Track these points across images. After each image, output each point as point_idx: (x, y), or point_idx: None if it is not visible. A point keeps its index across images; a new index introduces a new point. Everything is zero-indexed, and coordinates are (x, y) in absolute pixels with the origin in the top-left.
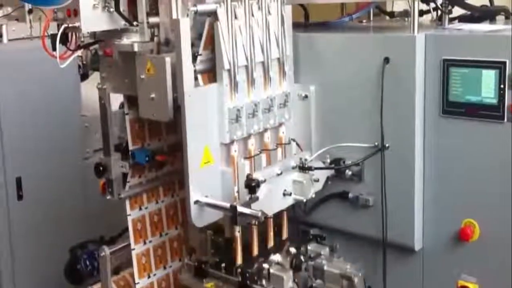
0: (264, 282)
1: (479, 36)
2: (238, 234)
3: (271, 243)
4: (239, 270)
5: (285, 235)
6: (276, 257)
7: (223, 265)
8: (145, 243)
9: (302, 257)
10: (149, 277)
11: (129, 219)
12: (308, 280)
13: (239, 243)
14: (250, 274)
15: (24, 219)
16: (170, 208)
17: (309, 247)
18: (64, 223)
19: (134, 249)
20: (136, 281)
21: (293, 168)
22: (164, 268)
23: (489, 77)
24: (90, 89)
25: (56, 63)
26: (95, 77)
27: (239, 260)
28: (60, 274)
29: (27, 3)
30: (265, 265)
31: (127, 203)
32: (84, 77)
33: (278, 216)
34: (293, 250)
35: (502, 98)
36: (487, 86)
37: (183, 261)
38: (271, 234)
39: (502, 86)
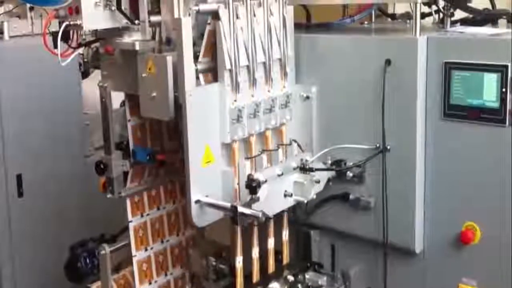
0: None
1: (481, 39)
2: (239, 265)
3: (270, 270)
4: None
5: (285, 260)
6: (274, 286)
7: None
8: (146, 249)
9: (299, 286)
10: (150, 283)
11: (131, 225)
12: None
13: (240, 271)
14: None
15: (24, 216)
16: (171, 215)
17: (307, 276)
18: (64, 220)
19: (135, 255)
20: None
21: (294, 169)
22: (165, 275)
23: (491, 80)
24: (91, 87)
25: (58, 61)
26: (96, 75)
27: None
28: (60, 272)
29: (29, 3)
30: None
31: (129, 209)
32: (85, 74)
33: (279, 220)
34: (291, 278)
35: (503, 102)
36: (489, 90)
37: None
38: (271, 260)
39: (504, 89)
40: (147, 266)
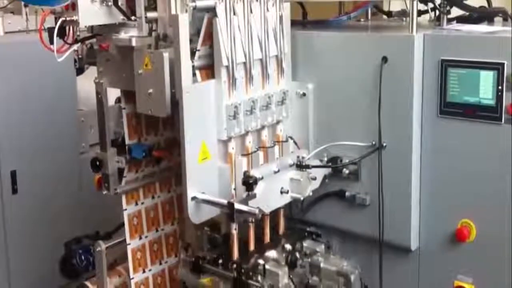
0: (259, 278)
1: (478, 37)
2: (234, 232)
3: (267, 239)
4: (234, 265)
5: (281, 230)
6: (271, 253)
7: (220, 261)
8: (140, 238)
9: (297, 254)
10: (144, 272)
11: (125, 214)
12: (304, 277)
13: (236, 239)
14: (246, 270)
15: (18, 213)
16: (166, 204)
17: (304, 244)
18: (59, 217)
19: (129, 244)
20: (131, 276)
21: (291, 166)
22: (160, 263)
23: (487, 78)
24: (86, 83)
25: (53, 57)
26: (90, 72)
27: (235, 256)
28: (55, 269)
29: (28, 3)
30: (261, 261)
31: (123, 198)
32: (80, 71)
33: (275, 213)
34: (288, 246)
35: (500, 99)
36: (485, 87)
37: (179, 256)
38: (267, 230)
39: (500, 87)
40: (141, 254)
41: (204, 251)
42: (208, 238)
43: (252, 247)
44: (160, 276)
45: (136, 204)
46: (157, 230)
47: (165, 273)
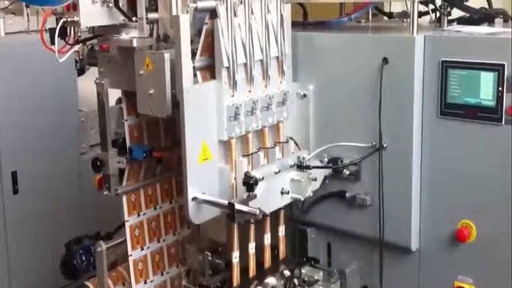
0: None
1: (478, 38)
2: (235, 260)
3: (267, 264)
4: None
5: (282, 255)
6: (270, 280)
7: None
8: (142, 249)
9: (296, 281)
10: (145, 283)
11: (127, 225)
12: None
13: (236, 266)
14: None
15: (19, 213)
16: (168, 214)
17: (303, 271)
18: (59, 218)
19: (131, 255)
20: (133, 287)
21: (291, 166)
22: (162, 274)
23: (487, 79)
24: (86, 84)
25: (54, 58)
26: (91, 72)
27: (235, 283)
28: (56, 269)
29: (28, 3)
30: None
31: (125, 205)
32: (80, 72)
33: (276, 217)
34: (287, 273)
35: (500, 100)
36: (485, 88)
37: (182, 284)
38: (268, 254)
39: (500, 88)
40: (143, 265)
41: (206, 277)
42: (210, 263)
43: (252, 273)
44: (161, 287)
45: (138, 215)
46: (158, 241)
47: (166, 284)
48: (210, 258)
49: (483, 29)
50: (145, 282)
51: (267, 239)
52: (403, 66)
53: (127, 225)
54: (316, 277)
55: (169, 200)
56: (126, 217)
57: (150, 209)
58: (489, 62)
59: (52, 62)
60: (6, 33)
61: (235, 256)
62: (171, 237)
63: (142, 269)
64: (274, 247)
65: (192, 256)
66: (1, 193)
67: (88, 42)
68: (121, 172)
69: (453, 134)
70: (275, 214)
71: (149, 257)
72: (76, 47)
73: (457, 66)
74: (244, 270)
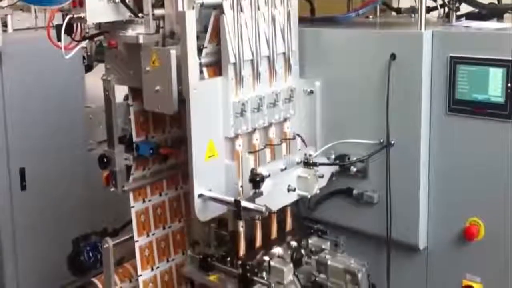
0: (264, 274)
1: (487, 34)
2: (241, 230)
3: (273, 235)
4: (239, 262)
5: (288, 227)
6: (277, 250)
7: (228, 258)
8: (148, 235)
9: (303, 251)
10: (152, 269)
11: (133, 211)
12: (311, 275)
13: (242, 237)
14: (251, 267)
15: (27, 209)
16: (173, 201)
17: (310, 241)
18: (67, 214)
19: (137, 241)
20: (139, 274)
21: (298, 163)
22: (167, 261)
23: (496, 75)
24: (94, 80)
25: (61, 54)
26: (99, 69)
27: (241, 253)
28: (63, 265)
29: (31, 4)
30: (266, 258)
31: (131, 195)
32: (88, 68)
33: (282, 210)
34: (294, 243)
35: (509, 96)
36: (494, 85)
37: (186, 254)
38: (274, 226)
39: (509, 84)
40: (149, 251)
41: (211, 248)
42: (215, 235)
43: (258, 244)
44: (167, 273)
45: (144, 201)
46: (164, 228)
47: (172, 270)
48: (215, 230)
49: (492, 25)
50: (152, 269)
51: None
52: (411, 62)
53: (132, 211)
54: (323, 247)
55: (175, 187)
56: (131, 203)
57: (155, 196)
58: (498, 58)
59: (59, 58)
60: (14, 30)
61: (241, 225)
62: (177, 224)
63: (148, 255)
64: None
65: (198, 228)
66: (9, 190)
67: (96, 39)
68: (128, 168)
69: (461, 131)
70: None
71: (154, 243)
72: (83, 44)
73: (465, 62)
74: (249, 242)
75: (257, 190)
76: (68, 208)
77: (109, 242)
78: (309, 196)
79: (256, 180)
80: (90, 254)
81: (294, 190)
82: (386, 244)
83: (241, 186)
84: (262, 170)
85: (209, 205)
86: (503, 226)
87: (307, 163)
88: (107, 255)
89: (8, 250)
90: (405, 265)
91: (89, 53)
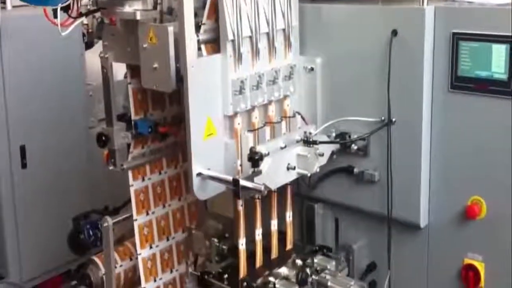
0: None
1: (490, 9)
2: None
3: (275, 253)
4: (244, 283)
5: (289, 245)
6: (282, 270)
7: (225, 276)
8: (147, 214)
9: (308, 270)
10: (151, 248)
11: (132, 189)
12: None
13: (243, 255)
14: None
15: (28, 187)
16: (173, 180)
17: (315, 260)
18: (68, 192)
19: (136, 219)
20: (138, 252)
21: (298, 141)
22: (167, 239)
23: (499, 52)
24: (95, 57)
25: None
26: (100, 46)
27: (242, 273)
28: (64, 243)
29: (28, 3)
30: (271, 279)
31: (130, 173)
32: (89, 45)
33: (283, 191)
34: (299, 262)
35: None
36: (497, 61)
37: (187, 269)
38: (275, 243)
39: None
40: (148, 230)
41: (213, 263)
42: (216, 249)
43: (259, 262)
44: (167, 252)
45: (143, 180)
46: (164, 206)
47: (172, 249)
48: (216, 244)
49: (495, 0)
50: (151, 247)
51: (274, 225)
52: (413, 38)
53: (132, 189)
54: (328, 266)
55: (174, 165)
56: (130, 181)
57: (155, 174)
58: (501, 34)
59: (59, 35)
60: (13, 6)
61: (242, 243)
62: (177, 202)
63: (147, 234)
64: (281, 232)
65: (199, 242)
66: (10, 167)
67: (97, 15)
68: (128, 147)
69: (463, 108)
70: (281, 192)
71: (154, 222)
72: (80, 20)
73: (468, 38)
74: (250, 255)
75: (256, 169)
76: (69, 186)
77: (109, 221)
78: (309, 175)
79: (255, 159)
80: (91, 232)
81: (294, 168)
82: (387, 223)
83: (240, 165)
84: (261, 149)
85: (207, 184)
86: (505, 205)
87: (307, 141)
88: (107, 233)
89: (9, 229)
90: (406, 243)
91: (90, 30)
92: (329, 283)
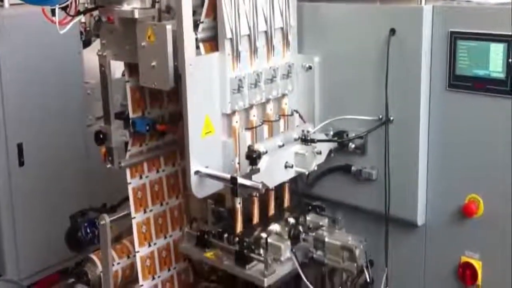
0: (261, 251)
1: (488, 8)
2: (238, 206)
3: (271, 212)
4: (237, 239)
5: (286, 204)
6: (274, 227)
7: (225, 235)
8: (145, 211)
9: (300, 228)
10: (149, 245)
11: (130, 187)
12: (308, 251)
13: (239, 214)
14: (248, 243)
15: (25, 185)
16: (170, 178)
17: (308, 218)
18: (65, 190)
19: (134, 217)
20: (136, 250)
21: (296, 140)
22: (165, 237)
23: (497, 50)
24: (92, 56)
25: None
26: (98, 44)
27: (238, 229)
28: (61, 241)
29: (28, 3)
30: (263, 234)
31: (128, 171)
32: (87, 43)
33: (280, 187)
34: (291, 220)
35: (509, 72)
36: (494, 60)
37: (183, 230)
38: (271, 203)
39: (510, 60)
40: (146, 228)
41: (209, 225)
42: (213, 211)
43: (255, 220)
44: (165, 249)
45: (141, 177)
46: (161, 204)
47: (170, 246)
48: (212, 205)
49: (493, 0)
50: (149, 245)
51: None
52: (411, 37)
53: (129, 187)
54: (321, 223)
55: (172, 163)
56: (128, 179)
57: (152, 172)
58: (499, 33)
59: (57, 33)
60: (11, 4)
61: (239, 201)
62: (174, 200)
63: (145, 232)
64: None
65: (195, 204)
66: (7, 165)
67: (95, 14)
68: (126, 145)
69: (461, 107)
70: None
71: (152, 219)
72: (78, 19)
73: (466, 37)
74: (247, 219)
75: (254, 167)
76: (66, 184)
77: (106, 219)
78: (306, 173)
79: (253, 157)
80: (88, 230)
81: (292, 166)
82: (384, 221)
83: (238, 163)
84: (259, 147)
85: (205, 182)
86: (502, 203)
87: (305, 140)
88: (104, 231)
89: (6, 226)
90: (404, 241)
91: (87, 28)
92: (326, 239)
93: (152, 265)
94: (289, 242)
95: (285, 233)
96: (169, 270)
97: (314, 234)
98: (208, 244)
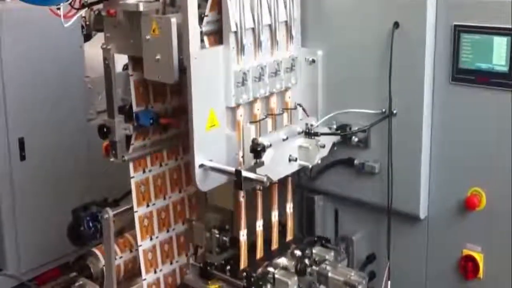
0: (269, 286)
1: (492, 2)
2: (243, 239)
3: (275, 244)
4: (244, 273)
5: (289, 236)
6: (281, 261)
7: (228, 267)
8: (148, 205)
9: (307, 261)
10: (151, 239)
11: (132, 181)
12: (313, 285)
13: (244, 246)
14: (255, 279)
15: (26, 180)
16: (174, 172)
17: (314, 251)
18: (67, 184)
19: (136, 211)
20: (139, 243)
21: (299, 133)
22: (167, 231)
23: (500, 44)
24: (93, 50)
25: (60, 23)
26: (98, 38)
27: (243, 264)
28: (62, 235)
29: (29, 3)
30: (270, 269)
31: (131, 165)
32: (87, 37)
33: (283, 183)
34: (298, 253)
35: None
36: (498, 54)
37: (188, 260)
38: (275, 235)
39: None
40: (148, 222)
41: (213, 254)
42: (217, 241)
43: (259, 253)
44: (167, 243)
45: (144, 171)
46: (164, 198)
47: (172, 240)
48: (217, 235)
49: None
50: (151, 239)
51: (275, 216)
52: (415, 31)
53: (132, 181)
54: (327, 257)
55: (175, 157)
56: (131, 173)
57: (155, 166)
58: (502, 27)
59: (58, 27)
60: None
61: (243, 234)
62: (177, 194)
63: (148, 226)
64: (281, 223)
65: (199, 234)
66: (9, 160)
67: (95, 7)
68: (128, 138)
69: (464, 100)
70: (282, 183)
71: (154, 213)
72: (82, 12)
73: (469, 31)
74: (251, 246)
75: (258, 160)
76: (68, 178)
77: (109, 213)
78: (310, 166)
79: (257, 150)
80: (90, 224)
81: (295, 160)
82: (387, 214)
83: (242, 156)
84: (263, 140)
85: (209, 176)
86: (504, 196)
87: (309, 133)
88: (107, 225)
89: (8, 221)
90: (406, 234)
91: (87, 22)
92: (329, 274)
93: (154, 258)
94: (296, 278)
95: (292, 266)
96: (171, 263)
97: (317, 268)
98: (211, 276)
